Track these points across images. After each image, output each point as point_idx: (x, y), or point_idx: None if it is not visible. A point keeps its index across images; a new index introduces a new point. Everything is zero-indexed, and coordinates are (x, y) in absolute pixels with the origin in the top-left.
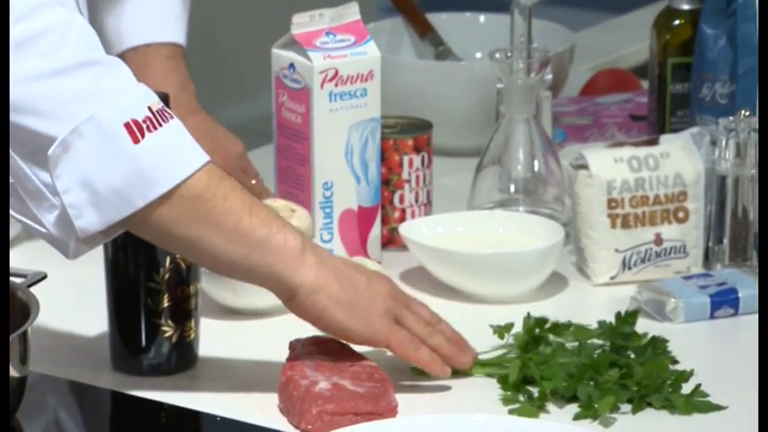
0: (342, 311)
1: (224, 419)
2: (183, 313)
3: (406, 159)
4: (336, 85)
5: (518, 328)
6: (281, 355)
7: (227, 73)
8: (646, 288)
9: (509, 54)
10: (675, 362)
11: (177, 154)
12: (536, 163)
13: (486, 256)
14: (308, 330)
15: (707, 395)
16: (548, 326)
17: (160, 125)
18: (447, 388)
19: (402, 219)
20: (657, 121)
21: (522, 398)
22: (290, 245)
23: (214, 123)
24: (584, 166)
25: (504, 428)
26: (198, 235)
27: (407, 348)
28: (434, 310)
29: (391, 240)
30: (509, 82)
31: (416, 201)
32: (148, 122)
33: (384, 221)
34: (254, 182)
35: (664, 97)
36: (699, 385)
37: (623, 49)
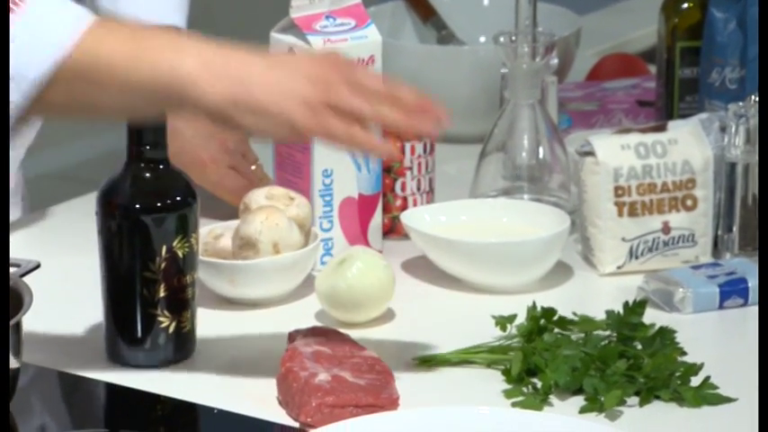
0: (251, 116)
1: (221, 412)
2: (180, 303)
3: (407, 146)
4: None
5: (521, 319)
6: (280, 345)
7: None
8: (653, 278)
9: (513, 38)
10: (684, 353)
11: (39, 41)
12: (541, 150)
13: (490, 246)
14: (308, 321)
15: (716, 387)
16: (555, 318)
17: (14, 12)
18: (450, 380)
19: (404, 207)
20: (665, 107)
21: (525, 390)
22: (178, 72)
23: None
24: (591, 153)
25: (507, 421)
26: (88, 103)
27: (335, 134)
28: (434, 292)
29: (393, 229)
30: (513, 66)
31: (418, 188)
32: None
33: (385, 210)
34: (253, 167)
35: (672, 82)
36: (708, 377)
37: (630, 33)
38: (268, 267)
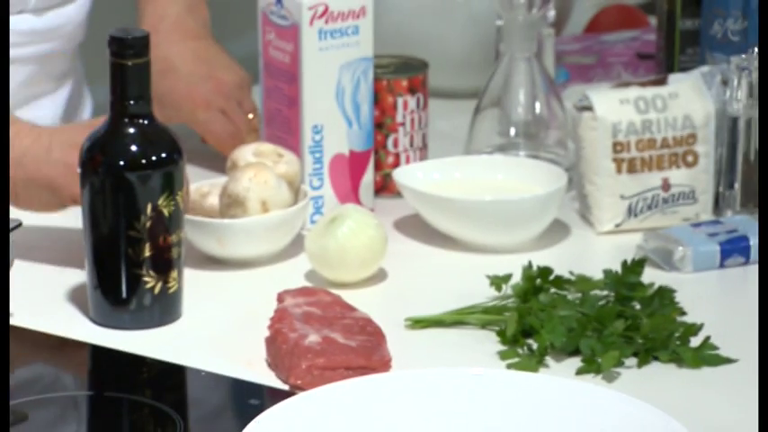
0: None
1: (209, 374)
2: (166, 263)
3: (400, 101)
4: (327, 22)
5: (517, 278)
6: (269, 306)
7: (209, 8)
8: (652, 236)
9: None
10: (683, 313)
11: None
12: (537, 105)
13: (485, 204)
14: (297, 281)
15: (716, 348)
16: (551, 277)
17: None
18: (443, 341)
19: (396, 164)
20: (666, 60)
21: (520, 351)
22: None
23: (218, 51)
24: (589, 108)
25: (502, 383)
26: None
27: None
28: (427, 251)
29: (385, 187)
30: (509, 18)
31: (411, 145)
32: None
33: (377, 167)
34: (251, 116)
35: (672, 34)
36: (708, 337)
37: None
38: (256, 226)
